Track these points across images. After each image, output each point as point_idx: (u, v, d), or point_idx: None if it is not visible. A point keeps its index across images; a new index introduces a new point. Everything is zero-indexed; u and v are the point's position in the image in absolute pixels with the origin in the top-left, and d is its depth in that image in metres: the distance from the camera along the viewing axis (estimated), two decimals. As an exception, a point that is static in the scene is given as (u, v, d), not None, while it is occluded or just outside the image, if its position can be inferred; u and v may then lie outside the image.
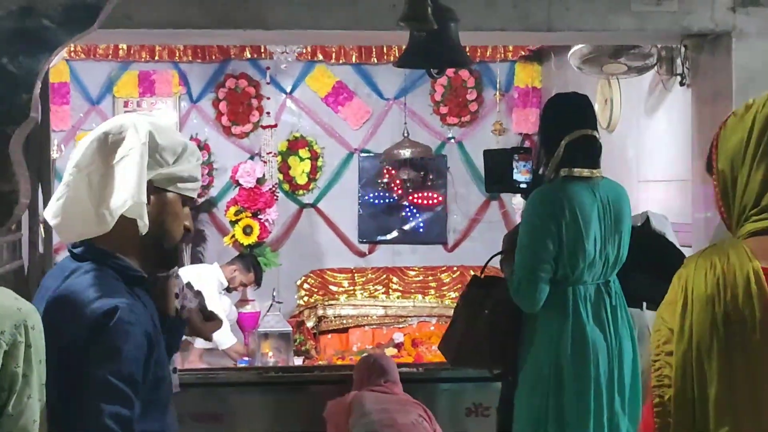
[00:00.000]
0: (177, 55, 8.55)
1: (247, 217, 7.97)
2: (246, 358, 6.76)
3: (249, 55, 8.67)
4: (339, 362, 7.36)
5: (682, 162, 5.58)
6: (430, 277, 8.77)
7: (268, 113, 8.74)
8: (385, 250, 9.05)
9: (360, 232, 9.02)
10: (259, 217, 8.00)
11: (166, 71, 8.72)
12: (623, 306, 3.86)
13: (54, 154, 5.69)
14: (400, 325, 8.48)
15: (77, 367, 2.07)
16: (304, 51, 8.49)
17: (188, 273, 6.47)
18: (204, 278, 6.67)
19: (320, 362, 7.44)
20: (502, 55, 8.69)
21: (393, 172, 8.83)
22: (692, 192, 5.19)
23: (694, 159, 5.19)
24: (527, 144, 8.56)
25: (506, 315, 3.86)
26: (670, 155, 5.94)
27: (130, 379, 2.08)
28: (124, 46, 8.37)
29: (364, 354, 5.47)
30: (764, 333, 1.96)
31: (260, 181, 8.08)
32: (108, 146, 2.25)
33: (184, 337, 2.82)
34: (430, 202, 8.97)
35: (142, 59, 8.57)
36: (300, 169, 8.84)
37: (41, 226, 4.40)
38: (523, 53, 8.68)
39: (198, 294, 4.81)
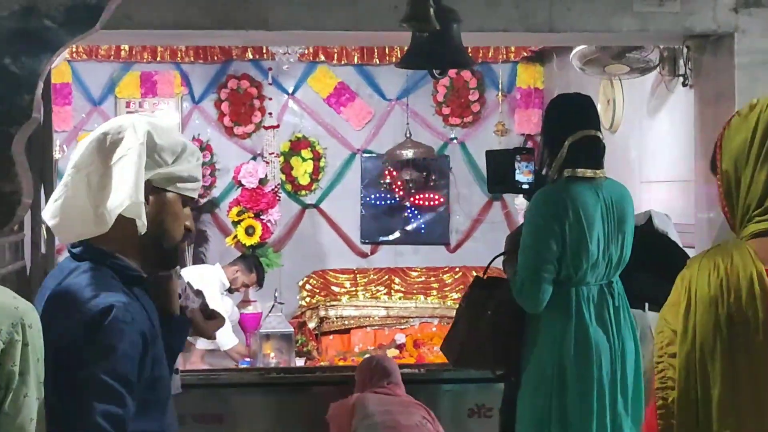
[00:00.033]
0: (179, 55, 8.55)
1: (249, 217, 7.97)
2: (248, 359, 6.75)
3: (251, 56, 8.67)
4: (341, 363, 7.35)
5: (685, 163, 5.58)
6: (432, 278, 8.76)
7: (270, 114, 8.74)
8: (387, 251, 9.05)
9: (362, 233, 9.02)
10: (261, 217, 8.00)
11: (168, 72, 8.72)
12: (626, 307, 3.86)
13: (56, 155, 5.69)
14: (402, 326, 8.48)
15: (72, 366, 2.07)
16: (306, 52, 8.49)
17: (190, 273, 6.48)
18: (206, 279, 6.66)
19: (322, 363, 7.43)
20: (504, 56, 8.69)
21: (395, 172, 8.83)
22: (695, 192, 5.18)
23: (696, 160, 5.18)
24: (530, 145, 8.55)
25: (509, 316, 3.86)
26: (672, 156, 5.94)
27: (124, 378, 2.08)
28: (126, 47, 8.37)
29: (366, 356, 5.47)
30: (767, 334, 1.95)
31: (262, 181, 8.08)
32: (107, 146, 2.26)
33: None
34: (433, 202, 8.96)
35: (144, 60, 8.58)
36: (302, 170, 8.84)
37: (43, 226, 4.40)
38: (525, 54, 8.68)
39: (198, 293, 4.81)
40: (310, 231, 8.97)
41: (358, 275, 8.77)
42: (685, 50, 5.34)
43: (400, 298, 8.67)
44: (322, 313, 8.52)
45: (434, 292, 8.68)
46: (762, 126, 2.03)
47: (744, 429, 1.97)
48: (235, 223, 8.06)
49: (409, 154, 8.51)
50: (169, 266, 2.43)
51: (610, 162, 3.94)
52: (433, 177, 8.93)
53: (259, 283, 7.37)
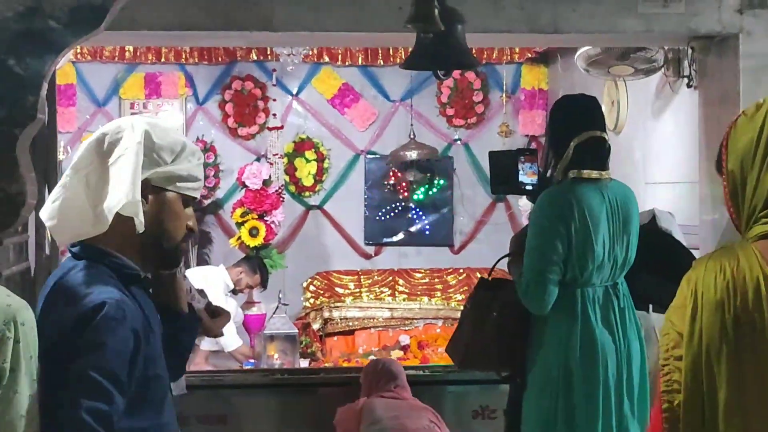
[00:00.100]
0: (183, 57, 8.56)
1: (253, 218, 7.97)
2: (252, 360, 6.75)
3: (255, 57, 8.67)
4: (345, 364, 7.35)
5: (689, 164, 5.57)
6: (436, 279, 8.76)
7: (274, 115, 8.74)
8: (391, 252, 9.05)
9: (366, 234, 9.02)
10: (265, 218, 8.00)
11: (172, 73, 8.72)
12: (631, 308, 3.85)
13: (60, 156, 5.70)
14: (406, 328, 8.47)
15: (62, 361, 2.07)
16: (310, 53, 8.49)
17: (195, 275, 6.48)
18: (210, 280, 6.67)
19: (326, 364, 7.44)
20: (509, 57, 8.69)
21: (399, 173, 8.82)
22: (699, 194, 5.17)
23: (701, 161, 5.17)
24: (533, 146, 8.55)
25: (514, 317, 3.85)
26: (677, 157, 5.93)
27: (113, 374, 2.07)
28: (131, 48, 8.38)
29: (372, 359, 5.46)
30: (774, 336, 1.95)
31: (266, 182, 8.07)
32: (105, 147, 2.26)
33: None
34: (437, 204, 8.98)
35: (149, 61, 8.58)
36: (306, 171, 8.85)
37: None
38: (529, 55, 8.68)
39: (201, 293, 4.82)
40: (314, 232, 8.97)
41: (362, 276, 8.77)
42: (689, 51, 5.33)
43: (404, 300, 8.67)
44: (326, 314, 8.52)
45: (438, 294, 8.68)
46: (768, 126, 2.03)
47: (750, 430, 1.97)
48: (239, 225, 8.06)
49: (413, 155, 8.51)
50: (171, 265, 2.43)
51: (614, 163, 3.94)
52: (437, 178, 8.92)
53: (263, 284, 7.37)
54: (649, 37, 4.98)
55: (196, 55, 8.56)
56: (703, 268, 2.03)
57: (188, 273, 6.50)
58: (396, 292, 8.70)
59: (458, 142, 9.00)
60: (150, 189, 2.27)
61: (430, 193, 8.94)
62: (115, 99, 8.74)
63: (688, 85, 5.46)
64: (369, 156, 8.97)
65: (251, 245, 7.97)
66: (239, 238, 8.05)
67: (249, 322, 7.32)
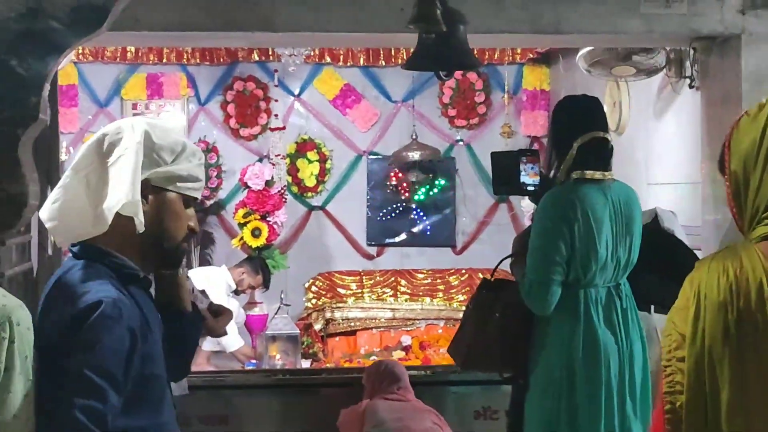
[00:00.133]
0: (185, 57, 8.56)
1: (255, 219, 7.97)
2: (253, 361, 6.75)
3: (257, 58, 8.67)
4: (347, 365, 7.35)
5: (692, 164, 5.57)
6: (438, 280, 8.76)
7: (276, 116, 8.74)
8: (393, 253, 9.05)
9: (368, 235, 9.02)
10: (267, 219, 8.00)
11: (174, 74, 8.72)
12: (634, 309, 3.85)
13: (62, 157, 5.70)
14: (408, 328, 8.47)
15: (57, 359, 2.08)
16: (312, 53, 8.49)
17: (197, 275, 6.49)
18: (212, 280, 6.67)
19: (328, 365, 7.44)
20: (511, 58, 8.69)
21: (401, 174, 8.82)
22: (702, 194, 5.17)
23: (703, 161, 5.17)
24: (535, 146, 8.54)
25: (516, 318, 3.85)
26: (679, 158, 5.93)
27: (108, 373, 2.08)
28: (132, 49, 8.38)
29: (375, 360, 5.45)
30: (776, 337, 1.95)
31: (269, 183, 8.07)
32: (106, 147, 2.27)
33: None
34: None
35: (150, 62, 8.58)
36: (308, 172, 8.84)
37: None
38: (531, 56, 8.67)
39: (203, 293, 4.82)
40: (316, 233, 8.97)
41: (364, 277, 8.77)
42: (691, 52, 5.33)
43: (406, 300, 8.67)
44: (328, 314, 8.51)
45: (440, 294, 8.68)
46: (771, 127, 2.02)
47: (753, 430, 1.96)
48: (242, 225, 8.06)
49: (415, 155, 8.51)
50: (172, 265, 2.43)
51: (616, 164, 3.93)
52: (439, 179, 8.92)
53: (265, 284, 7.37)
54: (651, 37, 4.98)
55: (197, 55, 8.56)
56: (706, 269, 2.03)
57: (190, 273, 6.50)
58: (398, 293, 8.69)
59: (460, 142, 9.00)
60: (150, 189, 2.28)
61: (432, 193, 8.93)
62: (116, 99, 8.74)
63: (690, 86, 5.46)
64: (371, 157, 8.97)
65: (253, 246, 7.97)
66: (241, 238, 8.05)
67: (251, 323, 7.31)
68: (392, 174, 8.87)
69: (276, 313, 6.76)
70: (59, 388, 2.05)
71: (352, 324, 8.51)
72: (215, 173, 8.70)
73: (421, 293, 8.69)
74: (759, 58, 4.76)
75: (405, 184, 8.84)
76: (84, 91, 8.62)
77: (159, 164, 2.29)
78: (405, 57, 7.89)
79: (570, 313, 3.73)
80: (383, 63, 8.73)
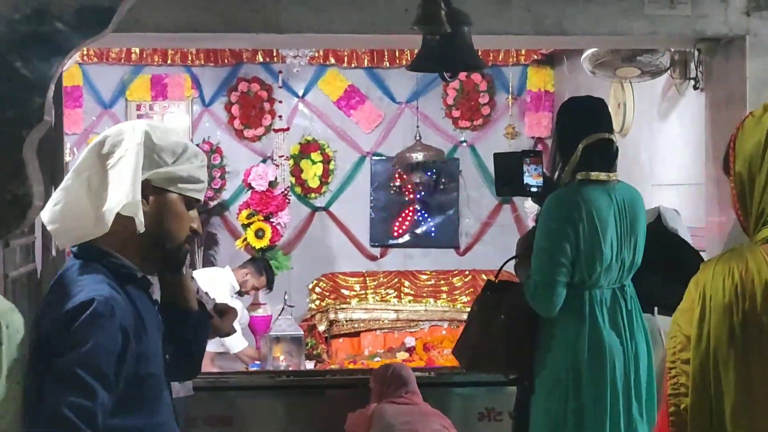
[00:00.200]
0: (189, 58, 8.56)
1: (259, 220, 7.97)
2: (257, 362, 6.75)
3: (261, 59, 8.67)
4: (350, 366, 7.35)
5: (696, 166, 5.56)
6: (442, 281, 8.76)
7: (280, 117, 8.74)
8: (396, 254, 9.04)
9: (372, 236, 9.02)
10: (271, 220, 8.00)
11: (178, 75, 8.73)
12: (638, 310, 3.85)
13: (67, 158, 5.70)
14: (412, 329, 8.47)
15: (48, 356, 2.08)
16: (317, 55, 8.49)
17: (201, 276, 6.48)
18: (216, 281, 6.67)
19: (332, 366, 7.44)
20: (515, 59, 8.68)
21: (405, 175, 8.82)
22: (706, 196, 5.17)
23: (707, 163, 5.17)
24: (539, 148, 8.53)
25: (521, 320, 3.84)
26: (683, 159, 5.92)
27: (98, 371, 2.07)
28: (137, 50, 8.39)
29: (383, 364, 5.45)
30: (782, 338, 1.95)
31: (272, 184, 8.07)
32: (107, 149, 2.28)
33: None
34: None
35: (155, 63, 8.58)
36: (312, 173, 8.84)
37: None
38: (535, 57, 8.67)
39: (206, 295, 4.83)
40: (319, 234, 8.97)
41: (367, 278, 8.77)
42: (696, 53, 5.32)
43: (409, 302, 8.67)
44: (331, 316, 8.51)
45: (444, 296, 8.68)
46: (776, 128, 2.02)
47: (757, 430, 1.96)
48: (245, 226, 8.06)
49: (418, 156, 8.50)
50: (174, 266, 2.43)
51: (620, 165, 3.93)
52: (443, 180, 8.91)
53: (269, 285, 7.37)
54: (655, 39, 4.98)
55: (202, 56, 8.56)
56: (711, 270, 2.02)
57: (194, 274, 6.50)
58: (401, 294, 8.69)
59: (464, 143, 8.99)
60: (150, 190, 2.28)
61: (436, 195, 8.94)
62: (121, 101, 8.74)
63: (695, 87, 5.45)
64: (375, 158, 8.96)
65: (257, 247, 7.97)
66: (245, 239, 8.05)
67: (254, 324, 7.32)
68: (396, 175, 8.86)
69: (280, 315, 6.76)
70: (48, 385, 2.05)
71: (356, 325, 8.51)
72: (219, 174, 8.70)
73: (424, 294, 8.69)
74: (763, 59, 4.76)
75: (409, 185, 8.84)
76: (88, 92, 8.62)
77: (159, 165, 2.29)
78: (409, 58, 7.88)
79: (575, 315, 3.73)
80: (387, 64, 8.72)
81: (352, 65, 8.77)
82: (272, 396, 5.50)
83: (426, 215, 8.96)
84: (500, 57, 8.61)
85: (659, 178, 6.35)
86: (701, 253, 4.50)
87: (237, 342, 6.71)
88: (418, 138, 8.59)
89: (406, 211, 8.94)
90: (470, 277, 8.71)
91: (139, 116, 8.63)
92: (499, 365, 4.02)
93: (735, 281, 1.97)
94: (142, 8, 4.29)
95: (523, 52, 8.55)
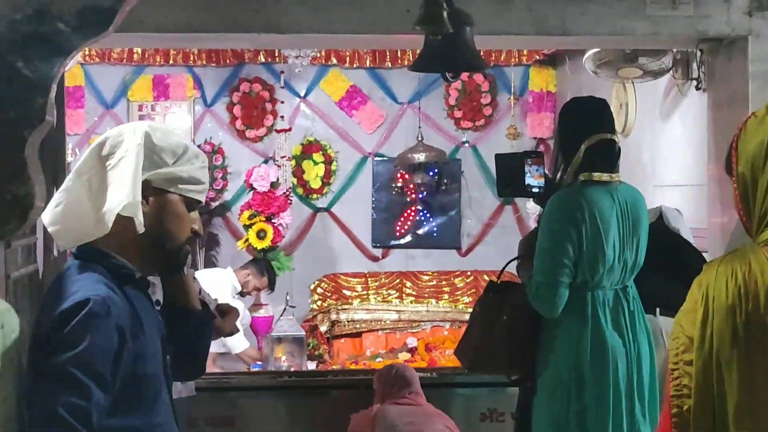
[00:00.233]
0: (191, 59, 8.56)
1: (260, 221, 7.97)
2: (259, 363, 6.75)
3: (263, 59, 8.67)
4: (352, 367, 7.35)
5: (698, 166, 5.56)
6: (444, 282, 8.76)
7: (282, 117, 8.74)
8: (398, 255, 9.04)
9: (373, 237, 9.01)
10: (272, 221, 8.00)
11: (180, 75, 8.73)
12: (641, 311, 3.85)
13: (69, 158, 5.70)
14: (414, 330, 8.47)
15: (43, 356, 2.09)
16: (318, 55, 8.49)
17: (202, 277, 6.48)
18: (218, 282, 6.67)
19: (333, 367, 7.43)
20: (517, 59, 8.68)
21: (407, 176, 8.82)
22: (708, 196, 5.17)
23: (709, 163, 5.16)
24: (541, 148, 8.53)
25: (523, 320, 3.84)
26: (685, 160, 5.92)
27: (93, 370, 2.07)
28: (139, 50, 8.39)
29: (386, 365, 5.45)
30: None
31: (274, 185, 8.07)
32: (107, 150, 2.28)
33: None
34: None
35: (157, 63, 8.58)
36: (314, 173, 8.84)
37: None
38: (537, 57, 8.66)
39: (208, 295, 4.82)
40: (321, 235, 8.97)
41: (369, 279, 8.77)
42: (698, 54, 5.32)
43: (411, 302, 8.67)
44: (333, 316, 8.51)
45: (446, 296, 8.68)
46: (779, 129, 2.01)
47: (760, 431, 1.96)
48: (247, 227, 8.06)
49: (420, 157, 8.50)
50: (173, 267, 2.43)
51: (622, 166, 3.93)
52: (445, 180, 8.91)
53: (271, 286, 7.37)
54: (657, 39, 4.97)
55: (204, 57, 8.56)
56: (714, 272, 2.02)
57: (196, 275, 6.50)
58: (403, 295, 8.69)
59: (466, 144, 8.99)
60: (151, 190, 2.28)
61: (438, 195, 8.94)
62: (123, 101, 8.75)
63: (697, 88, 5.45)
64: (377, 158, 8.96)
65: (259, 247, 7.97)
66: (247, 240, 8.05)
67: (256, 324, 7.32)
68: (398, 175, 8.86)
69: (281, 315, 6.76)
70: (43, 385, 2.06)
71: (358, 326, 8.51)
72: (221, 175, 8.69)
73: (426, 295, 8.69)
74: (766, 59, 4.75)
75: (411, 186, 8.83)
76: (90, 92, 8.63)
77: (159, 166, 2.29)
78: (411, 58, 7.88)
79: (578, 316, 3.73)
80: (389, 64, 8.72)
81: (354, 65, 8.77)
82: (274, 396, 5.50)
83: (428, 216, 8.96)
84: (502, 57, 8.61)
85: (661, 179, 6.34)
86: (703, 254, 4.50)
87: (239, 342, 6.71)
88: (420, 138, 8.59)
89: (408, 212, 8.94)
90: (472, 277, 8.71)
91: (141, 117, 8.65)
92: (502, 366, 4.02)
93: (738, 282, 1.96)
94: (144, 8, 4.29)
95: (525, 52, 8.55)
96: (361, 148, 8.94)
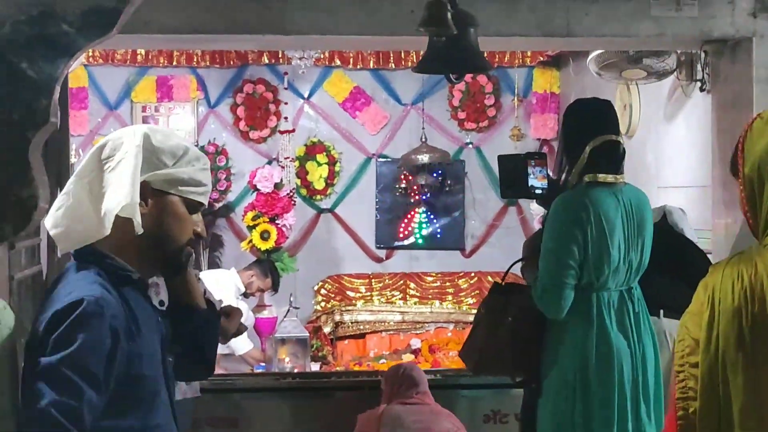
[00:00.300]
0: (195, 60, 8.57)
1: (264, 222, 7.97)
2: (263, 364, 6.75)
3: (267, 61, 8.68)
4: (356, 368, 7.35)
5: (702, 168, 5.55)
6: (448, 283, 8.75)
7: (285, 118, 8.75)
8: (402, 256, 9.04)
9: (377, 238, 9.01)
10: (276, 222, 8.00)
11: (184, 76, 8.74)
12: (645, 312, 3.84)
13: (72, 159, 5.70)
14: (418, 331, 8.46)
15: (36, 355, 2.09)
16: (322, 56, 8.49)
17: (206, 278, 6.48)
18: (221, 283, 6.67)
19: (337, 368, 7.43)
20: (521, 61, 8.68)
21: (411, 177, 8.81)
22: (712, 198, 5.16)
23: (714, 165, 5.15)
24: (545, 149, 8.53)
25: (528, 322, 3.83)
26: (689, 161, 5.91)
27: (86, 370, 2.07)
28: (142, 51, 8.40)
29: (394, 364, 5.44)
30: (790, 342, 1.94)
31: (278, 186, 8.08)
32: (108, 153, 2.29)
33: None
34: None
35: (160, 64, 8.59)
36: (317, 174, 8.84)
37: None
38: (541, 59, 8.66)
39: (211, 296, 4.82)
40: (325, 236, 8.97)
41: (373, 280, 8.77)
42: (702, 55, 5.31)
43: (415, 303, 8.66)
44: (337, 317, 8.51)
45: (449, 297, 8.67)
46: (786, 131, 2.01)
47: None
48: (251, 228, 8.06)
49: (424, 158, 8.51)
50: (174, 268, 2.42)
51: (626, 167, 3.91)
52: (449, 182, 8.91)
53: (275, 287, 7.36)
54: (662, 40, 4.96)
55: (207, 58, 8.57)
56: (720, 274, 2.01)
57: (200, 276, 6.50)
58: (407, 296, 8.69)
59: (470, 145, 8.99)
60: (150, 192, 2.28)
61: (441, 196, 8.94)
62: (126, 102, 8.76)
63: (701, 89, 5.44)
64: (380, 159, 8.96)
65: (262, 248, 7.97)
66: (250, 241, 8.05)
67: (260, 326, 7.31)
68: (401, 177, 8.86)
69: (285, 316, 6.76)
70: (36, 384, 2.06)
71: (362, 327, 8.51)
72: (224, 176, 8.70)
73: (430, 296, 8.69)
74: (770, 60, 4.74)
75: (414, 187, 8.83)
76: (94, 93, 8.64)
77: (159, 167, 2.29)
78: (415, 60, 7.89)
79: (583, 317, 3.72)
80: (393, 66, 8.73)
81: (358, 67, 8.78)
82: (277, 398, 5.49)
83: (432, 217, 8.96)
84: (506, 58, 8.61)
85: (665, 180, 6.34)
86: (708, 256, 4.49)
87: (242, 344, 6.71)
88: (423, 140, 8.59)
89: (412, 213, 8.94)
90: (476, 279, 8.71)
91: (145, 118, 8.66)
92: (506, 368, 4.01)
93: (744, 285, 1.96)
94: (148, 10, 4.28)
95: (528, 53, 8.55)
96: (364, 149, 8.95)
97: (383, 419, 4.55)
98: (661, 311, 4.18)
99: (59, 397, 2.03)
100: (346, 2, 4.68)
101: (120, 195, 2.21)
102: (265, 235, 7.97)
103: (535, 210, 8.08)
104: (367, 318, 8.55)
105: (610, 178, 3.77)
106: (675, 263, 4.07)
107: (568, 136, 3.93)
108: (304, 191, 8.83)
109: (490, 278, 8.28)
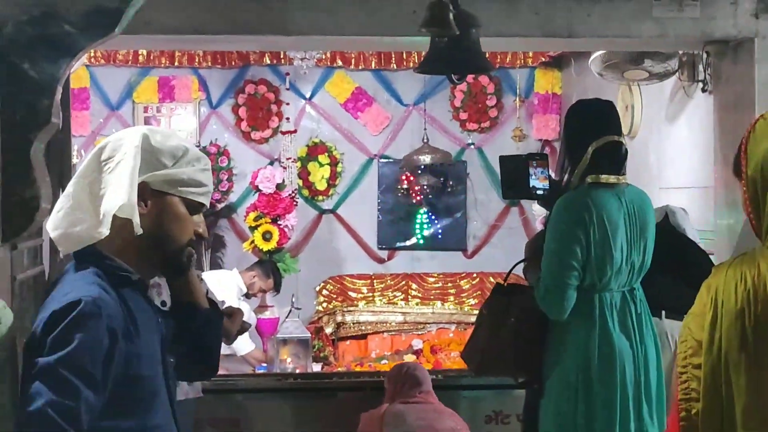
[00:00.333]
0: (196, 60, 8.57)
1: (266, 222, 7.96)
2: (264, 364, 6.75)
3: (268, 61, 8.68)
4: (358, 369, 7.34)
5: (704, 169, 5.55)
6: (450, 284, 8.75)
7: (287, 119, 8.75)
8: (404, 257, 9.04)
9: (379, 239, 9.01)
10: (278, 222, 7.99)
11: (185, 77, 8.74)
12: (647, 313, 3.84)
13: (74, 160, 5.70)
14: (419, 332, 8.46)
15: (34, 356, 2.09)
16: (324, 57, 8.49)
17: (208, 279, 6.48)
18: (223, 284, 6.67)
19: (339, 369, 7.43)
20: (522, 61, 8.68)
21: (412, 178, 8.81)
22: (714, 198, 5.15)
23: (716, 165, 5.15)
24: (547, 150, 8.53)
25: (530, 323, 3.83)
26: (691, 162, 5.91)
27: (83, 370, 2.07)
28: (144, 52, 8.40)
29: (397, 363, 5.43)
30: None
31: (280, 186, 8.07)
32: (108, 154, 2.29)
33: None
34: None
35: (162, 65, 8.59)
36: (319, 175, 8.84)
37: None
38: (543, 59, 8.65)
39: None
40: (327, 236, 8.97)
41: (375, 281, 8.77)
42: (704, 56, 5.31)
43: (417, 304, 8.66)
44: (339, 318, 8.51)
45: (451, 298, 8.67)
46: (789, 131, 2.00)
47: (767, 432, 1.96)
48: (252, 229, 8.06)
49: (426, 159, 8.49)
50: (174, 269, 2.42)
51: (628, 168, 3.91)
52: (451, 182, 8.91)
53: (276, 288, 7.36)
54: (664, 41, 4.96)
55: (209, 58, 8.57)
56: (723, 275, 2.01)
57: (203, 276, 6.50)
58: (409, 297, 8.69)
59: (472, 146, 8.99)
60: (149, 193, 2.28)
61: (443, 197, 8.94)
62: (128, 102, 8.76)
63: (703, 90, 5.44)
64: (382, 160, 8.96)
65: (264, 249, 7.96)
66: (252, 242, 8.05)
67: (262, 326, 7.31)
68: (403, 177, 8.86)
69: (287, 317, 6.75)
70: (32, 385, 2.05)
71: (363, 328, 8.51)
72: (226, 176, 8.70)
73: (432, 297, 8.69)
74: (773, 61, 4.74)
75: (416, 188, 8.83)
76: (96, 94, 8.64)
77: (158, 168, 2.29)
78: (417, 60, 7.88)
79: (585, 318, 3.72)
80: (395, 66, 8.73)
81: (360, 67, 8.77)
82: (279, 398, 5.49)
83: (433, 218, 8.96)
84: (508, 59, 8.60)
85: (667, 181, 6.33)
86: (710, 257, 4.49)
87: (244, 344, 6.71)
88: (425, 140, 8.58)
89: (414, 214, 8.94)
90: (478, 279, 8.70)
91: (146, 118, 8.67)
92: (509, 368, 4.01)
93: (747, 286, 1.96)
94: (150, 10, 4.28)
95: (530, 54, 8.55)
96: (366, 149, 8.95)
97: (386, 418, 4.55)
98: (663, 312, 4.19)
99: (56, 398, 2.02)
100: (347, 2, 4.68)
101: (118, 195, 2.21)
102: (267, 236, 7.96)
103: (537, 211, 8.08)
104: (368, 318, 8.55)
105: (612, 178, 3.76)
106: (677, 264, 4.07)
107: (570, 137, 3.92)
108: (305, 192, 8.83)
109: (492, 279, 8.28)
